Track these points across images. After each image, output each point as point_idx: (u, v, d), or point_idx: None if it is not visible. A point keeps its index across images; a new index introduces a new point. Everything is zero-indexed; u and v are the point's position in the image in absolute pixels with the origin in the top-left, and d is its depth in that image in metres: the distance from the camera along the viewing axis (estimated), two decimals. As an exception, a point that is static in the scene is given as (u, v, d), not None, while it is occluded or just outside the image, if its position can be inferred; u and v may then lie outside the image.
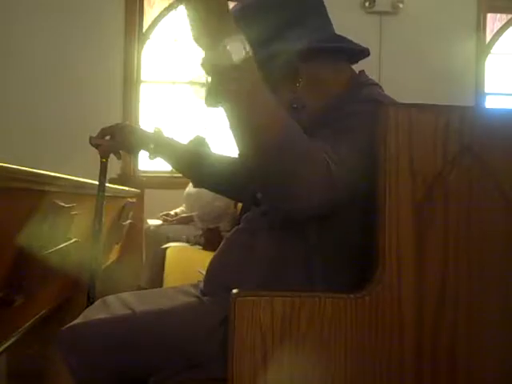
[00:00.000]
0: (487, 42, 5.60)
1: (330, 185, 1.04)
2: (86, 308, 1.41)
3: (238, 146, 1.06)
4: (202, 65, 1.01)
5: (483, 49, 5.55)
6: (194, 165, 1.63)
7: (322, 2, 1.35)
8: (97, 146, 1.57)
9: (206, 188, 1.77)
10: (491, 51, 5.65)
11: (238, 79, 0.97)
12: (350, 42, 1.33)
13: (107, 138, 1.58)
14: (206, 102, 1.27)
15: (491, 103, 5.63)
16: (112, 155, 1.61)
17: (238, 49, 0.96)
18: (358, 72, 1.34)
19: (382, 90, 1.32)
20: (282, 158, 1.01)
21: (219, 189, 1.75)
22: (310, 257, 1.21)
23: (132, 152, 1.62)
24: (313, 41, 1.26)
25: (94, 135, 1.57)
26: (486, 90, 5.59)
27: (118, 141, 1.57)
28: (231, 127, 1.03)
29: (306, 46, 1.24)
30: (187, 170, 1.67)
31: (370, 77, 1.35)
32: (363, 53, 1.34)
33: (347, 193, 1.07)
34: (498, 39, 5.67)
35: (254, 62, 0.99)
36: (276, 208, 1.19)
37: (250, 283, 1.22)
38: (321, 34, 1.29)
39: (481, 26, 5.51)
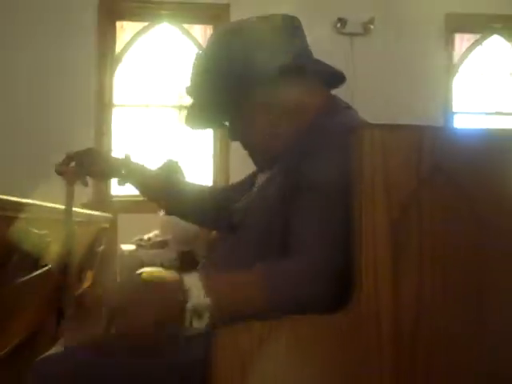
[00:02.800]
0: (455, 61, 5.70)
1: (321, 280, 1.08)
2: (59, 336, 1.39)
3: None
4: None
5: (451, 68, 5.65)
6: (163, 192, 1.60)
7: (297, 27, 1.37)
8: (61, 174, 1.53)
9: (176, 215, 1.75)
10: (459, 70, 5.75)
11: None
12: (327, 65, 1.34)
13: (72, 164, 1.53)
14: (187, 123, 1.30)
15: (459, 122, 5.71)
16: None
17: None
18: (332, 96, 1.35)
19: (356, 113, 1.33)
20: (277, 305, 1.07)
21: (189, 217, 1.74)
22: None
23: (101, 178, 1.60)
24: (285, 66, 1.26)
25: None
26: (454, 109, 5.68)
27: (85, 167, 1.53)
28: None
29: (277, 72, 1.25)
30: (157, 197, 1.64)
31: (344, 100, 1.36)
32: (339, 77, 1.36)
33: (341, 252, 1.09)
34: (465, 59, 5.77)
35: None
36: None
37: None
38: (294, 59, 1.30)
39: (449, 47, 5.61)
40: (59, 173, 1.53)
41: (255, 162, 1.40)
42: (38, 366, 1.23)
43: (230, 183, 1.62)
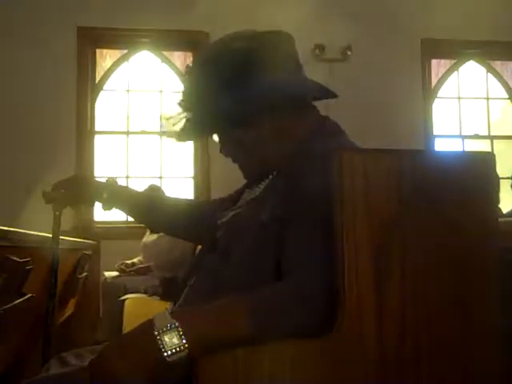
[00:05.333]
0: (433, 86, 5.79)
1: (311, 304, 1.06)
2: (41, 366, 1.37)
3: None
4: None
5: (429, 93, 5.74)
6: (148, 209, 1.61)
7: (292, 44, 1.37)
8: (51, 201, 1.54)
9: (162, 232, 1.76)
10: (437, 95, 5.84)
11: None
12: (315, 83, 1.34)
13: (61, 191, 1.55)
14: (179, 137, 1.31)
15: (440, 145, 5.79)
16: (68, 208, 1.59)
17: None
18: (323, 118, 1.35)
19: (347, 137, 1.33)
20: (269, 334, 1.04)
21: (175, 232, 1.74)
22: None
23: (87, 203, 1.60)
24: (272, 89, 1.26)
25: (48, 188, 1.54)
26: (435, 133, 5.76)
27: (72, 193, 1.54)
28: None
29: (266, 96, 1.25)
30: (142, 215, 1.65)
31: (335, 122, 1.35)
32: (327, 92, 1.35)
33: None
34: (443, 84, 5.87)
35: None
36: None
37: None
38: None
39: (426, 72, 5.70)
40: (48, 201, 1.53)
41: (246, 176, 1.40)
42: None
43: (216, 198, 1.62)
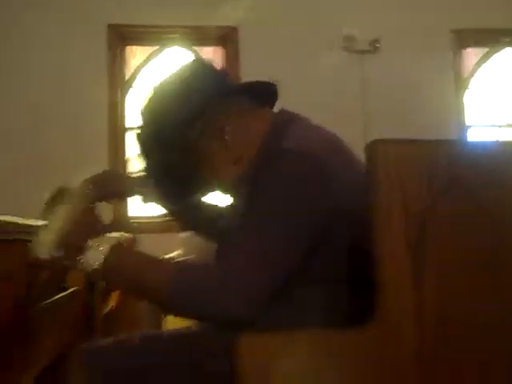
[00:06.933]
0: (465, 75, 5.71)
1: (242, 293, 1.08)
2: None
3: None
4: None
5: (462, 82, 5.66)
6: (188, 207, 1.63)
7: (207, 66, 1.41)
8: (80, 197, 1.50)
9: (191, 230, 1.78)
10: (469, 84, 5.76)
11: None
12: (254, 83, 1.37)
13: (90, 186, 1.55)
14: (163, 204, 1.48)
15: (473, 135, 5.71)
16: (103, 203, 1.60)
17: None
18: (274, 114, 1.38)
19: (308, 121, 1.35)
20: (186, 305, 1.12)
21: (201, 232, 1.76)
22: (302, 294, 1.22)
23: (123, 198, 1.63)
24: (218, 93, 1.31)
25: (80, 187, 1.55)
26: (467, 123, 5.68)
27: (104, 189, 1.56)
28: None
29: (201, 110, 1.29)
30: (177, 211, 1.67)
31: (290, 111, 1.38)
32: (272, 89, 1.39)
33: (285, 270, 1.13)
34: (475, 73, 5.79)
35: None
36: None
37: None
38: (219, 91, 1.33)
39: (457, 61, 5.63)
40: (74, 196, 1.54)
41: (231, 196, 1.45)
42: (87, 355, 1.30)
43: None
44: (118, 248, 1.18)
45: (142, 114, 1.39)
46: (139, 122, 1.41)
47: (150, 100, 1.38)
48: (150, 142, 1.34)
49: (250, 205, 1.19)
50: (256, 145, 1.31)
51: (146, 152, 1.36)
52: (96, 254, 1.14)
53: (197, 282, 1.11)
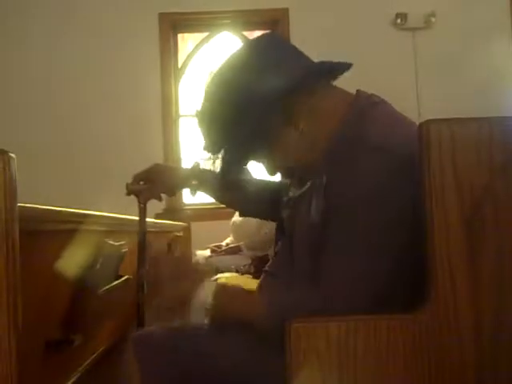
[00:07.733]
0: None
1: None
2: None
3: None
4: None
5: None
6: (236, 194, 1.62)
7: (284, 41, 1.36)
8: (137, 194, 1.56)
9: (251, 216, 1.77)
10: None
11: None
12: (332, 63, 1.29)
13: (141, 183, 1.57)
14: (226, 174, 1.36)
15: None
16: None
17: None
18: (355, 97, 1.31)
19: (389, 106, 1.29)
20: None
21: (263, 215, 1.75)
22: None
23: (173, 193, 1.63)
24: (294, 77, 1.23)
25: (131, 180, 1.56)
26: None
27: (157, 185, 1.56)
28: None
29: (289, 84, 1.22)
30: (230, 200, 1.67)
31: (372, 94, 1.31)
32: (343, 67, 1.31)
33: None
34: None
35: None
36: None
37: None
38: (298, 70, 1.26)
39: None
40: (133, 192, 1.56)
41: (297, 181, 1.38)
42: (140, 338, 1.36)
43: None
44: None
45: (217, 88, 1.29)
46: (209, 97, 1.32)
47: (229, 72, 1.28)
48: (225, 116, 1.27)
49: (338, 212, 1.15)
50: (334, 128, 1.24)
51: (216, 126, 1.29)
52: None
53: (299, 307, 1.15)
